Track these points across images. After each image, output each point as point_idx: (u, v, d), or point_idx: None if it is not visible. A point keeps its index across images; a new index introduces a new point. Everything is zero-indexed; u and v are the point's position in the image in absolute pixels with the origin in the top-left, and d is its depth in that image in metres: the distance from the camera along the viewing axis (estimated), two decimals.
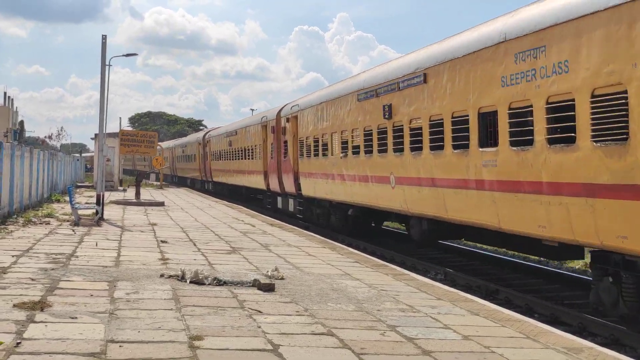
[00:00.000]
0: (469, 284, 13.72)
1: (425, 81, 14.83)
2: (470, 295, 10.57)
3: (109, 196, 32.08)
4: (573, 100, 9.87)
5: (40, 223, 18.94)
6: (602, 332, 10.11)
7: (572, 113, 9.90)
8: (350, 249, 16.08)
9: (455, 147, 13.44)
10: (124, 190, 42.21)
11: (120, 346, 6.36)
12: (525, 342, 7.44)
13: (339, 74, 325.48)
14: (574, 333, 9.05)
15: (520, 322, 8.50)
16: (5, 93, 75.80)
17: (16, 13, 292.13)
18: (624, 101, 8.95)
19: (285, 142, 27.35)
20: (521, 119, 11.22)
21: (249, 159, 34.74)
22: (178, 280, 10.15)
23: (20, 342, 6.29)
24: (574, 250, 11.58)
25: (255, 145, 33.06)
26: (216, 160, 46.12)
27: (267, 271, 11.17)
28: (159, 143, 52.87)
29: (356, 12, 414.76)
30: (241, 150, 36.91)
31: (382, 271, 12.46)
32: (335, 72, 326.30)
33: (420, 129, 14.98)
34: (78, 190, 38.98)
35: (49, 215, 21.31)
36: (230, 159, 40.68)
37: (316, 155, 22.99)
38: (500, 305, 10.20)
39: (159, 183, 53.81)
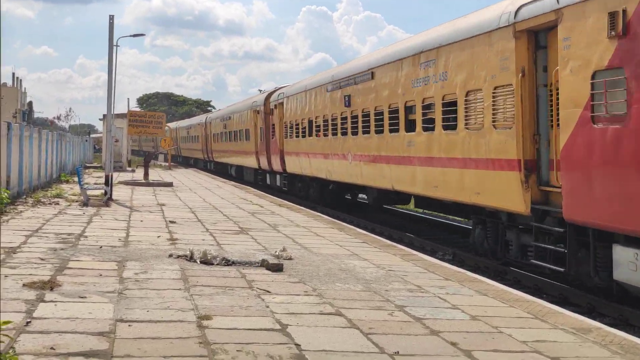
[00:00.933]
0: (477, 264, 13.70)
1: None
2: (478, 276, 10.57)
3: (117, 177, 32.16)
4: None
5: (49, 203, 19.00)
6: (611, 312, 10.07)
7: None
8: (359, 230, 16.08)
9: None
10: (133, 171, 42.30)
11: (129, 325, 6.38)
12: (533, 323, 7.43)
13: (348, 55, 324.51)
14: (582, 313, 9.02)
15: (528, 303, 8.49)
16: (13, 74, 75.96)
17: None
18: None
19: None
20: None
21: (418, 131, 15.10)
22: (187, 260, 10.18)
23: (30, 321, 6.33)
24: None
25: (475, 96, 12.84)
26: (293, 137, 26.47)
27: (276, 251, 11.18)
28: (167, 124, 52.73)
29: None
30: (389, 113, 16.75)
31: (391, 251, 12.46)
32: (344, 52, 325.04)
33: None
34: (87, 170, 39.11)
35: (58, 196, 21.37)
36: (340, 133, 20.70)
37: None
38: (508, 286, 10.20)
39: (167, 164, 53.89)
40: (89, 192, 20.01)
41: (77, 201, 19.82)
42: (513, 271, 12.72)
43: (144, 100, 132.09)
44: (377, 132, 17.60)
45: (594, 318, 8.85)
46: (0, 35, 5.07)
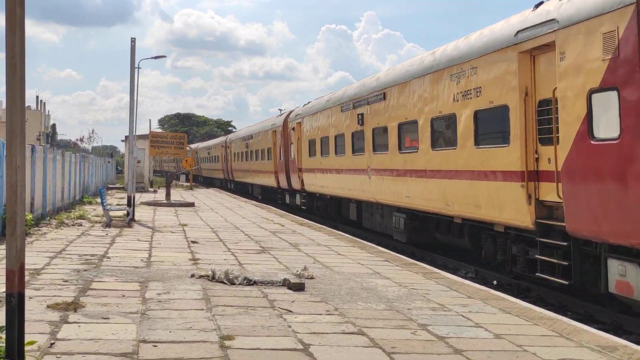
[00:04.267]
0: (500, 281, 13.58)
1: None
2: (501, 294, 10.48)
3: (139, 197, 32.38)
4: None
5: (72, 225, 19.17)
6: (637, 329, 9.93)
7: None
8: (380, 248, 16.03)
9: None
10: (155, 192, 42.58)
11: (152, 346, 6.40)
12: (558, 341, 7.35)
13: (368, 73, 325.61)
14: (608, 331, 8.92)
15: (552, 320, 8.40)
16: (37, 97, 77.05)
17: (49, 18, 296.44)
18: None
19: None
20: None
21: None
22: (208, 280, 10.21)
23: (54, 343, 6.37)
24: None
25: None
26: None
27: (297, 270, 11.18)
28: (189, 145, 52.98)
29: (383, 10, 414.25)
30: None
31: (412, 270, 12.40)
32: (363, 70, 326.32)
33: None
34: (109, 192, 39.42)
35: (81, 217, 21.55)
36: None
37: None
38: (532, 304, 10.10)
39: (189, 184, 54.18)
40: (111, 213, 20.17)
41: (99, 222, 19.97)
42: (537, 289, 12.60)
43: (165, 121, 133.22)
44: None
45: (619, 335, 8.74)
46: (24, 60, 5.15)
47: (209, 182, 66.32)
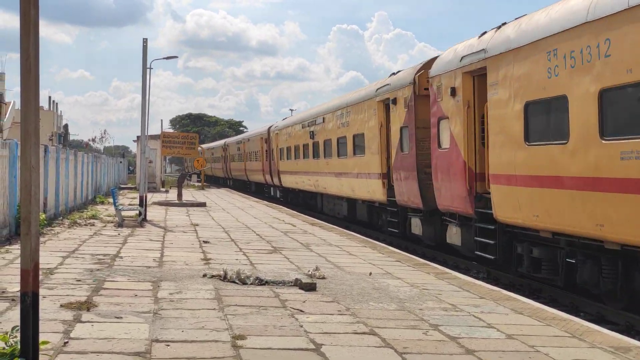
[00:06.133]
0: (512, 282, 13.54)
1: None
2: (513, 294, 10.46)
3: (151, 197, 32.50)
4: None
5: (85, 224, 19.27)
6: None
7: None
8: (392, 248, 16.03)
9: None
10: (166, 192, 42.71)
11: (165, 345, 6.43)
12: (570, 342, 7.33)
13: (379, 73, 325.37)
14: (621, 332, 8.87)
15: (565, 321, 8.38)
16: (50, 97, 77.36)
17: (62, 19, 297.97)
18: None
19: None
20: None
21: None
22: (220, 280, 10.24)
23: (67, 342, 6.41)
24: None
25: None
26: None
27: (309, 270, 11.20)
28: (200, 145, 53.10)
29: (394, 10, 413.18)
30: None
31: (424, 270, 12.39)
32: (375, 70, 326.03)
33: None
34: (121, 192, 39.57)
35: (94, 217, 21.66)
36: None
37: None
38: (544, 304, 10.06)
39: (200, 184, 54.31)
40: (123, 213, 20.25)
41: (112, 222, 20.06)
42: (549, 289, 12.55)
43: (176, 122, 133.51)
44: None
45: (632, 336, 8.70)
46: (38, 61, 5.19)
47: (211, 181, 68.19)
